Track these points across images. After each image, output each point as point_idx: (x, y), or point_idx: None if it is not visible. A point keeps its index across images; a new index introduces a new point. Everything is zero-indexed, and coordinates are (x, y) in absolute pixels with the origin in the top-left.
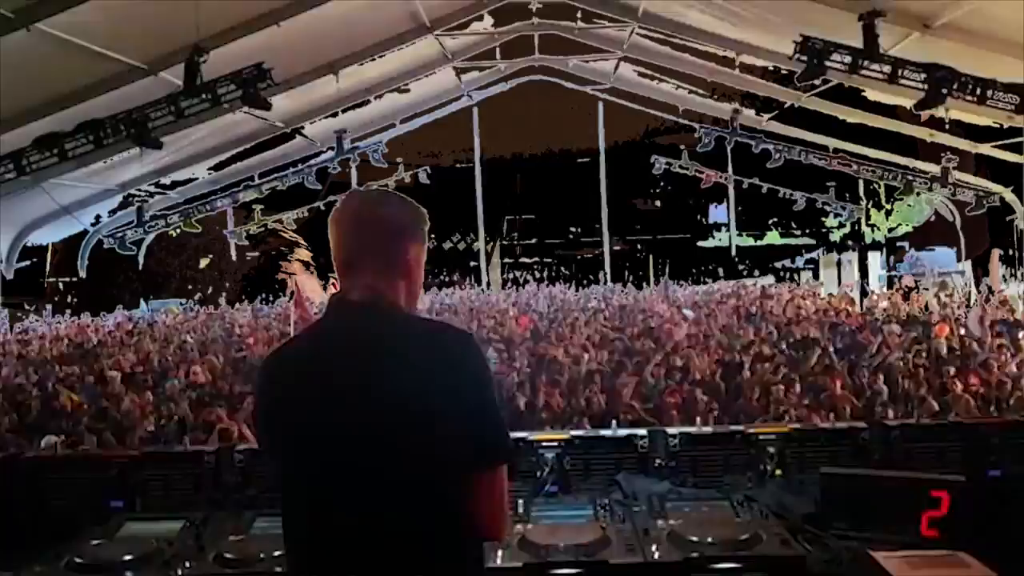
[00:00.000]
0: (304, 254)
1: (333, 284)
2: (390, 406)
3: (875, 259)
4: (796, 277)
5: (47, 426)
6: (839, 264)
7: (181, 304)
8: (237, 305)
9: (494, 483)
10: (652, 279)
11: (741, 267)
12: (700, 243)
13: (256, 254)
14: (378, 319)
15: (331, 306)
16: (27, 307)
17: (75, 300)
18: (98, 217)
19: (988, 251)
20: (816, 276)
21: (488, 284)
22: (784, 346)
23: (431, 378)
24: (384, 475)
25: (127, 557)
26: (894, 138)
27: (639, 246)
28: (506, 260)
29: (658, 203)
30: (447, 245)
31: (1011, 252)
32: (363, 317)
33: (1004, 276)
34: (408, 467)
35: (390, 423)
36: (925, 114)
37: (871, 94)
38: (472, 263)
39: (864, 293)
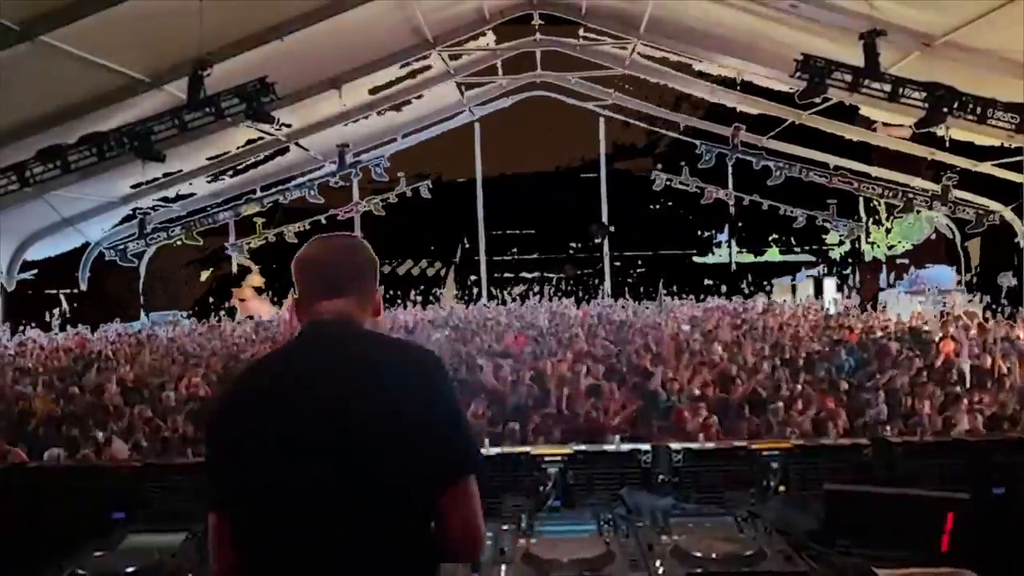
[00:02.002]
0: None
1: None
2: (365, 422)
3: (830, 283)
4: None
5: (48, 438)
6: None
7: (180, 316)
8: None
9: (464, 496)
10: (652, 295)
11: (741, 284)
12: (700, 259)
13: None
14: (352, 338)
15: (306, 327)
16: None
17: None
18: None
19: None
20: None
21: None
22: (781, 362)
23: (404, 394)
24: (357, 490)
25: (129, 569)
26: (893, 155)
27: (639, 261)
28: (507, 275)
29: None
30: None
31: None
32: (338, 336)
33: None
34: (382, 482)
35: (365, 438)
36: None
37: (870, 113)
38: (472, 277)
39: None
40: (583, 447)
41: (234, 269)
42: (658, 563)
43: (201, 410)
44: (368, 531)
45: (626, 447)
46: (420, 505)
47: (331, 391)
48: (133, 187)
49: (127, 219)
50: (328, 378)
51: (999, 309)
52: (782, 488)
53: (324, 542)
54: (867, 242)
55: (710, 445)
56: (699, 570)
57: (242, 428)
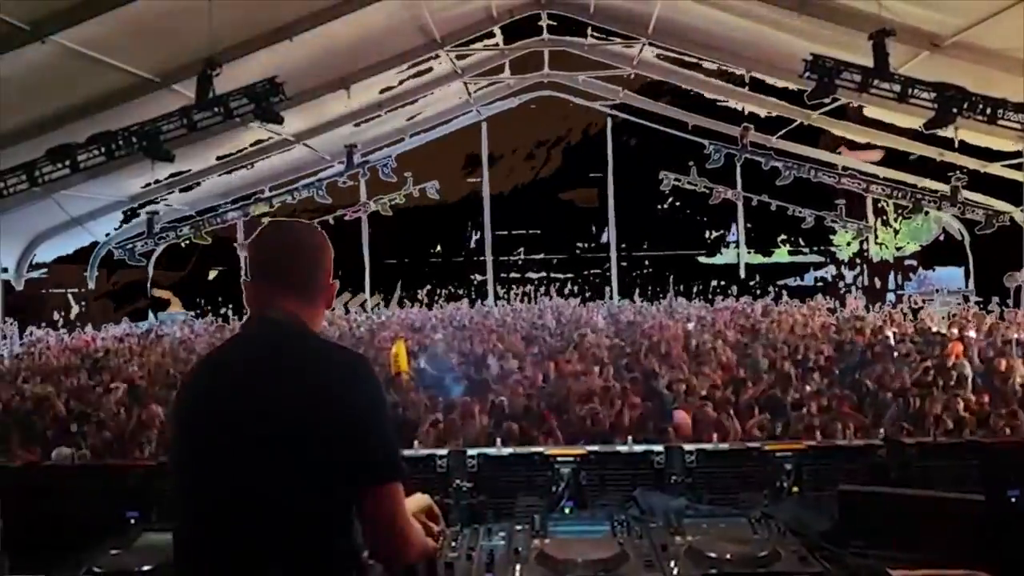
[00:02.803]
0: None
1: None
2: (285, 420)
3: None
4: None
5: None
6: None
7: (188, 316)
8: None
9: (386, 500)
10: (660, 295)
11: (750, 284)
12: (708, 260)
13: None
14: (284, 337)
15: (248, 321)
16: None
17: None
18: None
19: None
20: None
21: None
22: (792, 364)
23: (323, 395)
24: (275, 487)
25: (145, 567)
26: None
27: (646, 262)
28: (513, 275)
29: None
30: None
31: None
32: (272, 334)
33: None
34: (298, 479)
35: (284, 437)
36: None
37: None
38: (479, 276)
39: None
40: (596, 448)
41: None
42: (672, 564)
43: None
44: (282, 531)
45: (639, 448)
46: (337, 507)
47: (255, 391)
48: (144, 187)
49: (129, 217)
50: (253, 378)
51: (1006, 309)
52: (796, 489)
53: (240, 538)
54: (875, 243)
55: (723, 446)
56: (713, 571)
57: (180, 421)
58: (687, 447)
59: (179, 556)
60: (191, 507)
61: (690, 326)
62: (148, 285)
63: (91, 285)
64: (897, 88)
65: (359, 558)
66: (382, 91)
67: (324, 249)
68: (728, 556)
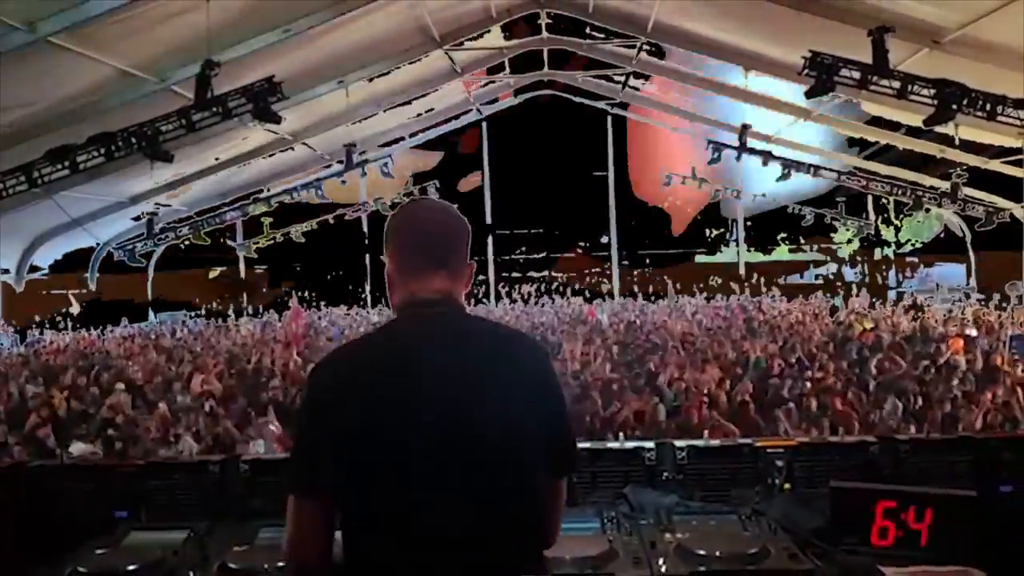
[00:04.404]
0: None
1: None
2: (490, 416)
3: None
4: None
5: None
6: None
7: (187, 316)
8: (244, 318)
9: (563, 492)
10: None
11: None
12: (708, 258)
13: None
14: (465, 322)
15: (408, 307)
16: None
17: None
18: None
19: None
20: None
21: None
22: (792, 361)
23: (526, 391)
24: (480, 487)
25: (131, 567)
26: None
27: (647, 260)
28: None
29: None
30: None
31: None
32: (451, 319)
33: None
34: (504, 480)
35: (504, 425)
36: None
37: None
38: (480, 276)
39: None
40: (587, 444)
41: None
42: (661, 561)
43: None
44: (488, 528)
45: (630, 444)
46: (535, 502)
47: (454, 383)
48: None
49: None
50: (448, 369)
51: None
52: (787, 486)
53: (445, 538)
54: (876, 240)
55: (715, 442)
56: (703, 568)
57: (360, 417)
58: (678, 443)
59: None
60: (380, 506)
61: (692, 326)
62: (149, 285)
63: (92, 286)
64: (896, 85)
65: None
66: (373, 80)
67: (467, 227)
68: (718, 553)
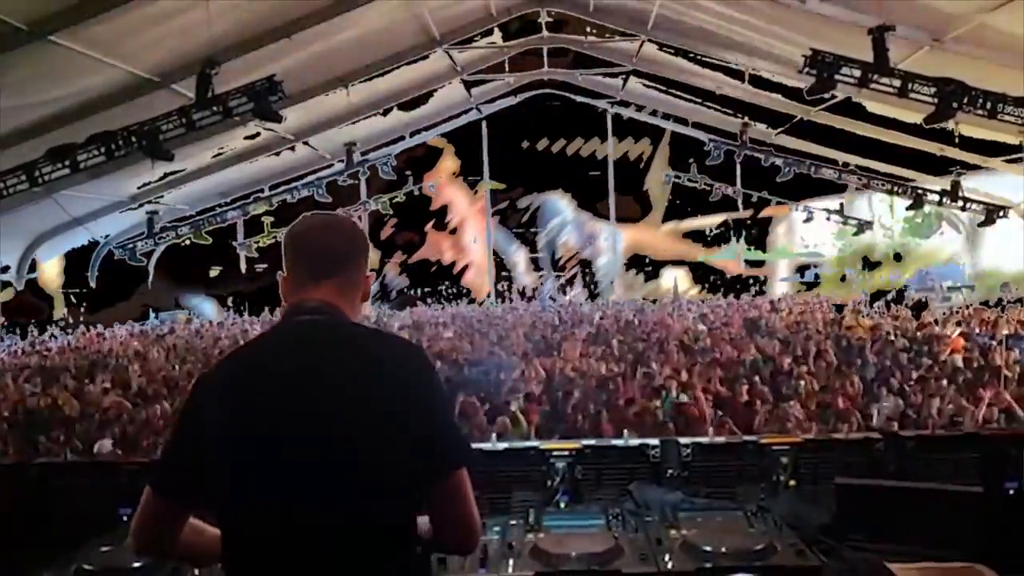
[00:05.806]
0: None
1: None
2: (353, 418)
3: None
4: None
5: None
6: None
7: (188, 315)
8: (245, 316)
9: (459, 488)
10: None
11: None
12: (708, 256)
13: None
14: (338, 328)
15: (288, 313)
16: None
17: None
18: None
19: None
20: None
21: None
22: (792, 359)
23: (395, 389)
24: (353, 482)
25: (136, 564)
26: (904, 151)
27: (647, 259)
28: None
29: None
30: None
31: None
32: (324, 325)
33: None
34: (376, 473)
35: (354, 435)
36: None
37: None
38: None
39: None
40: (592, 441)
41: (242, 268)
42: (667, 557)
43: None
44: (357, 526)
45: (635, 441)
46: (412, 498)
47: (319, 386)
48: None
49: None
50: (314, 371)
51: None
52: (792, 482)
53: (310, 538)
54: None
55: (720, 440)
56: (708, 564)
57: (225, 423)
58: (683, 441)
59: (234, 556)
60: (252, 525)
61: (692, 324)
62: (149, 284)
63: (92, 285)
64: (897, 83)
65: (426, 550)
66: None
67: (364, 239)
68: (723, 550)
